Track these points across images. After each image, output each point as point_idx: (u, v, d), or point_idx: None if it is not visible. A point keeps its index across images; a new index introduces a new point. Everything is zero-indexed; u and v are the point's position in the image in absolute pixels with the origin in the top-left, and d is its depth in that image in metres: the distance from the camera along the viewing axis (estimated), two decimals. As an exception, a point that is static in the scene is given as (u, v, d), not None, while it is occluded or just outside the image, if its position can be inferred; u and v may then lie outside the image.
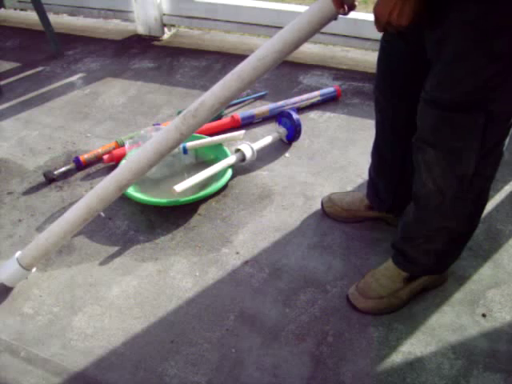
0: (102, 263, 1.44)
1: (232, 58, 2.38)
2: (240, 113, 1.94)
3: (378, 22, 0.95)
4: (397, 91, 1.20)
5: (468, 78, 0.92)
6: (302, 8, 2.36)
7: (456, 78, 0.94)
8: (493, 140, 1.00)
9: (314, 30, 1.02)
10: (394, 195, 1.38)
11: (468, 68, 0.92)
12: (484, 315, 1.25)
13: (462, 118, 0.97)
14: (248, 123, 1.94)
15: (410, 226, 1.21)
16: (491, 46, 0.88)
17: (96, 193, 1.24)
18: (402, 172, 1.32)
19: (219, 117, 1.98)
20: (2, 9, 2.40)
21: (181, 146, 1.66)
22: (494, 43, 0.88)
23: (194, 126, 1.16)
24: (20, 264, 1.32)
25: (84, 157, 1.76)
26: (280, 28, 2.61)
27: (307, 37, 1.04)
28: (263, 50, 1.06)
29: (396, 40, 1.13)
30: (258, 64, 1.06)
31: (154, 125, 1.91)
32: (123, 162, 1.23)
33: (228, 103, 1.14)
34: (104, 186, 1.23)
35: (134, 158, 1.21)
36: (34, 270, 1.37)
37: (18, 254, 1.34)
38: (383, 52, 1.20)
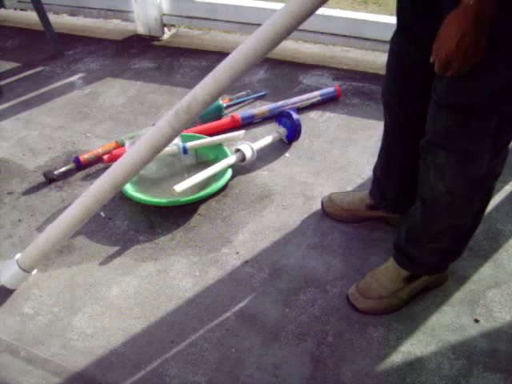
0: (102, 263, 1.44)
1: (232, 58, 2.38)
2: (240, 113, 1.94)
3: (447, 65, 0.86)
4: (409, 94, 1.20)
5: (484, 83, 0.92)
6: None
7: (472, 84, 0.93)
8: (504, 140, 1.00)
9: (305, 14, 0.99)
10: (403, 195, 1.38)
11: (485, 74, 0.91)
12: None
13: (476, 120, 0.96)
14: (248, 123, 1.94)
15: (416, 226, 1.20)
16: (509, 52, 0.87)
17: (91, 193, 1.22)
18: (410, 172, 1.32)
19: (219, 117, 1.98)
20: (2, 9, 2.40)
21: (181, 146, 1.66)
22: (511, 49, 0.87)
23: (187, 122, 1.14)
24: (20, 266, 1.31)
25: (84, 157, 1.76)
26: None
27: (299, 22, 0.99)
28: (255, 41, 1.03)
29: (407, 43, 1.13)
30: (251, 54, 1.03)
31: (153, 124, 1.91)
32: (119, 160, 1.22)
33: (220, 96, 1.12)
34: (99, 185, 1.22)
35: (128, 156, 1.19)
36: (34, 271, 1.37)
37: (17, 255, 1.34)
38: (393, 55, 1.20)
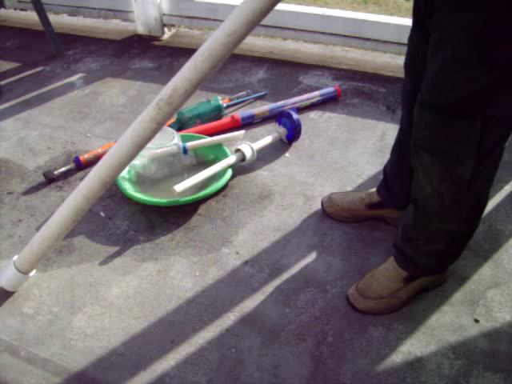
0: (102, 263, 1.44)
1: (232, 58, 2.38)
2: (240, 113, 1.94)
3: None
4: None
5: (465, 84, 0.92)
6: (302, 8, 2.36)
7: (453, 84, 0.94)
8: (490, 144, 0.99)
9: None
10: (409, 192, 1.38)
11: (466, 74, 0.92)
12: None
13: (458, 122, 0.97)
14: (248, 123, 1.94)
15: (410, 227, 1.21)
16: (492, 55, 0.88)
17: (81, 193, 1.21)
18: None
19: (219, 117, 1.98)
20: (2, 9, 2.40)
21: (181, 146, 1.66)
22: (494, 53, 0.88)
23: (170, 113, 1.10)
24: (16, 268, 1.31)
25: (84, 157, 1.76)
26: (279, 28, 2.59)
27: (275, 2, 0.97)
28: (231, 24, 1.02)
29: (420, 39, 1.13)
30: (229, 39, 1.00)
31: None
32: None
33: (201, 84, 1.08)
34: (88, 186, 1.21)
35: (113, 153, 1.17)
36: (32, 273, 1.37)
37: (15, 257, 1.34)
38: (409, 52, 1.20)
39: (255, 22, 0.98)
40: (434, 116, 0.99)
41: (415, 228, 1.20)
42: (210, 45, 1.02)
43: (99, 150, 1.78)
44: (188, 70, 1.05)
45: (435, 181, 1.07)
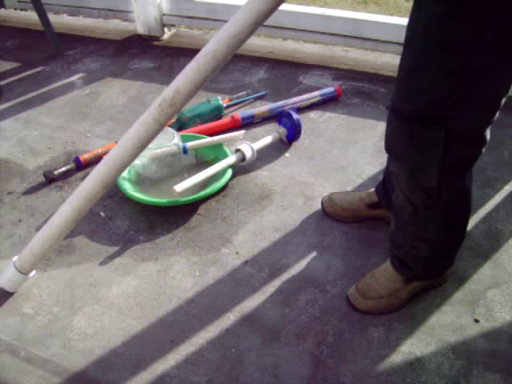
0: (102, 263, 1.44)
1: (232, 58, 2.37)
2: (240, 113, 1.94)
3: None
4: None
5: (425, 90, 0.92)
6: (302, 8, 2.36)
7: (415, 90, 0.94)
8: (455, 156, 0.98)
9: None
10: None
11: (426, 80, 0.91)
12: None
13: (422, 131, 0.96)
14: (248, 123, 1.94)
15: (394, 234, 1.22)
16: (447, 61, 0.87)
17: (83, 193, 1.21)
18: None
19: (219, 117, 1.98)
20: (2, 9, 2.40)
21: (181, 146, 1.66)
22: (449, 58, 0.86)
23: (172, 115, 1.10)
24: (17, 269, 1.31)
25: (84, 157, 1.76)
26: (279, 28, 2.58)
27: (279, 2, 0.96)
28: (236, 25, 1.01)
29: None
30: (233, 41, 0.99)
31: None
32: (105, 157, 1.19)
33: (203, 85, 1.08)
34: (89, 186, 1.20)
35: (116, 154, 1.17)
36: (32, 273, 1.36)
37: (15, 258, 1.34)
38: None
39: (260, 23, 0.98)
40: (399, 123, 0.99)
41: (398, 234, 1.21)
42: (214, 46, 1.01)
43: (99, 150, 1.78)
44: (191, 72, 1.05)
45: (404, 187, 1.07)
